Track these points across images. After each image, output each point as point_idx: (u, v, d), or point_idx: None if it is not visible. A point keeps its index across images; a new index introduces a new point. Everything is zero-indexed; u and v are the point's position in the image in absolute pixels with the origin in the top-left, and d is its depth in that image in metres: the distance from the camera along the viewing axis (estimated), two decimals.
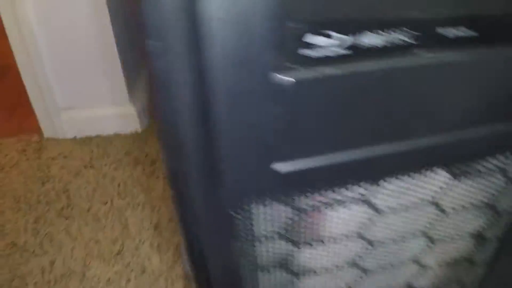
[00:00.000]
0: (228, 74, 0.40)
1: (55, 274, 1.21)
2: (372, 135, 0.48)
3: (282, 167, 0.48)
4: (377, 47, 0.42)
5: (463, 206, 0.61)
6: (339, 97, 0.45)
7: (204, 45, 0.39)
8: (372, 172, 0.52)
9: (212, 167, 0.47)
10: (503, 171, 0.57)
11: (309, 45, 0.40)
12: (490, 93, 0.49)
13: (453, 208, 0.60)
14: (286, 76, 0.41)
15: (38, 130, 1.67)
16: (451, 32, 0.43)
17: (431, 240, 0.63)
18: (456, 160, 0.54)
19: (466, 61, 0.46)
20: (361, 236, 0.59)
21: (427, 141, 0.50)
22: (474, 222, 0.64)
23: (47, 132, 1.67)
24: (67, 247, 1.28)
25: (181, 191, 0.50)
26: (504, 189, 0.60)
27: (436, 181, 0.56)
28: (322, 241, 0.58)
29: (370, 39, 0.41)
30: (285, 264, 0.59)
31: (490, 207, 0.62)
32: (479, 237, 0.66)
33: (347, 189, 0.52)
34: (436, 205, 0.59)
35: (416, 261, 0.66)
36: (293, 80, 0.41)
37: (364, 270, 0.64)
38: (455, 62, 0.45)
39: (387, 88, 0.45)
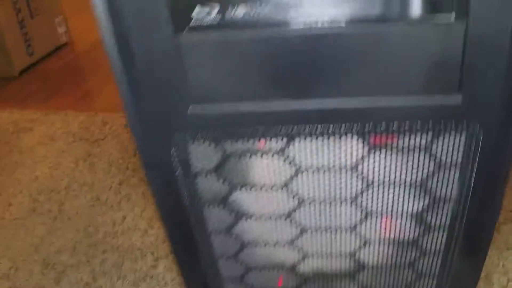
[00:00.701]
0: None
1: (123, 227, 1.37)
2: (268, 90, 0.57)
3: (197, 109, 0.58)
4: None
5: (391, 182, 0.63)
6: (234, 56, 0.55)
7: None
8: (283, 124, 0.59)
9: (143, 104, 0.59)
10: (428, 151, 0.59)
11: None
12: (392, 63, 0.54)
13: (380, 182, 0.63)
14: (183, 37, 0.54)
15: None
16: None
17: (365, 212, 0.66)
18: (366, 129, 0.58)
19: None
20: (288, 189, 0.65)
21: (331, 103, 0.56)
22: (410, 203, 0.65)
23: None
24: (139, 207, 1.43)
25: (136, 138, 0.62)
26: (434, 172, 0.61)
27: (355, 150, 0.60)
28: (252, 186, 0.65)
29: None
30: (225, 203, 0.67)
31: (425, 191, 0.63)
32: (423, 223, 0.66)
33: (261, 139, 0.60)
34: (357, 172, 0.62)
35: (355, 232, 0.69)
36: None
37: (301, 227, 0.69)
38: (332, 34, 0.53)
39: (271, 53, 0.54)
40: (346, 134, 0.58)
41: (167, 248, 1.28)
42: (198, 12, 0.52)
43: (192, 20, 0.52)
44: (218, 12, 0.51)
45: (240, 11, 0.51)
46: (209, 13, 0.52)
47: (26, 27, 2.50)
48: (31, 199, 1.54)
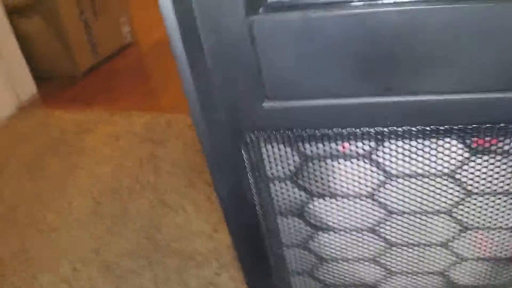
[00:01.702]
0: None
1: (186, 230, 1.30)
2: (363, 84, 0.47)
3: (272, 106, 0.50)
4: None
5: (494, 191, 0.54)
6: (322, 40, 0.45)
7: None
8: (371, 125, 0.50)
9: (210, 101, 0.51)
10: None
11: None
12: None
13: (481, 191, 0.54)
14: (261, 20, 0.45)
15: None
16: None
17: (461, 225, 0.57)
18: (468, 130, 0.49)
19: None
20: (373, 198, 0.56)
21: (432, 100, 0.47)
22: None
23: None
24: (205, 211, 1.36)
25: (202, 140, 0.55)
26: None
27: (453, 154, 0.51)
28: (333, 195, 0.57)
29: None
30: (301, 213, 0.59)
31: None
32: None
33: (345, 141, 0.51)
34: (455, 180, 0.53)
35: (448, 248, 0.59)
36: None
37: (387, 241, 0.60)
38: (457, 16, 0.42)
39: (375, 34, 0.44)
40: (445, 135, 0.49)
41: (232, 255, 1.20)
42: None
43: None
44: None
45: None
46: None
47: (91, 27, 2.49)
48: (93, 201, 1.50)
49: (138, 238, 1.32)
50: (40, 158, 1.79)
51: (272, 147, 0.53)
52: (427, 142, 0.50)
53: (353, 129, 0.50)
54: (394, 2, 0.42)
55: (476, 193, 0.53)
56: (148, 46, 2.72)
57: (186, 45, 0.46)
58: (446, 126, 0.48)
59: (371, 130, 0.49)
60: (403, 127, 0.49)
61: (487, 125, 0.47)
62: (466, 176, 0.52)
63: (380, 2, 0.43)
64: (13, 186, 1.67)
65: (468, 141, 0.49)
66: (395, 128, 0.49)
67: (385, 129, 0.49)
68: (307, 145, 0.52)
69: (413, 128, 0.49)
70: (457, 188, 0.53)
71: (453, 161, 0.51)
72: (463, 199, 0.54)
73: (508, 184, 0.52)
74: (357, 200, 0.56)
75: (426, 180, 0.53)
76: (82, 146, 1.80)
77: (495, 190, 0.53)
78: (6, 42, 2.23)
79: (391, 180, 0.53)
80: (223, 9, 0.44)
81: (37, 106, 2.23)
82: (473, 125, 0.47)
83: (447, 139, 0.49)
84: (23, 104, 2.26)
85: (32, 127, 2.03)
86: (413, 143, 0.50)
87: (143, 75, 2.40)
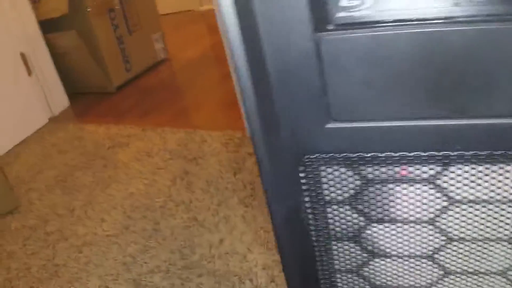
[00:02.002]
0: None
1: (220, 250, 1.27)
2: (433, 106, 0.45)
3: (336, 128, 0.48)
4: None
5: None
6: (391, 59, 0.43)
7: None
8: (439, 149, 0.47)
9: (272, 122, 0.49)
10: None
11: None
12: None
13: None
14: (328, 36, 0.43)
15: (243, 128, 1.78)
16: None
17: None
18: None
19: None
20: (434, 224, 0.53)
21: (504, 124, 0.44)
22: None
23: None
24: (238, 230, 1.33)
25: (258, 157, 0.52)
26: None
27: None
28: (392, 220, 0.54)
29: None
30: (357, 238, 0.57)
31: None
32: None
33: (410, 164, 0.49)
34: None
35: (507, 277, 0.56)
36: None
37: (444, 269, 0.57)
38: None
39: (451, 52, 0.42)
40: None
41: (267, 276, 1.17)
42: (347, 2, 0.41)
43: (338, 14, 0.41)
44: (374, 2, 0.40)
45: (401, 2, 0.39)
46: (362, 3, 0.40)
47: (124, 43, 2.49)
48: (125, 216, 1.48)
49: (171, 256, 1.29)
50: (73, 171, 1.78)
51: (333, 169, 0.51)
52: (494, 168, 0.47)
53: (420, 153, 0.47)
54: (467, 21, 0.40)
55: None
56: (182, 63, 2.71)
57: (250, 62, 0.44)
58: None
59: (438, 153, 0.47)
60: (471, 151, 0.46)
61: None
62: None
63: (452, 20, 0.40)
64: (46, 198, 1.66)
65: None
66: (462, 152, 0.46)
67: (452, 153, 0.46)
68: (369, 168, 0.50)
69: (481, 153, 0.46)
70: None
71: None
72: None
73: None
74: (417, 226, 0.54)
75: (490, 206, 0.50)
76: (115, 161, 1.79)
77: None
78: (40, 55, 2.25)
79: (454, 206, 0.51)
80: (289, 26, 0.43)
81: (70, 120, 2.23)
82: None
83: None
84: (56, 118, 2.26)
85: (65, 140, 2.03)
86: (480, 168, 0.47)
87: (176, 92, 2.38)
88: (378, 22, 0.41)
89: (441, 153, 0.47)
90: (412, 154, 0.47)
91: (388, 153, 0.48)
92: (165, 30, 2.79)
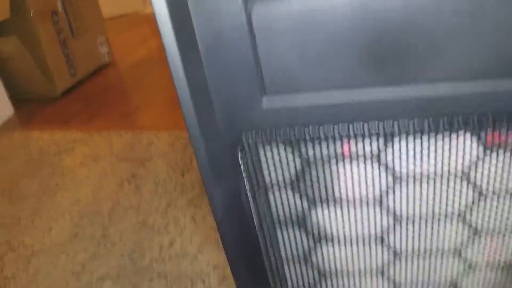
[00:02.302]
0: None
1: (171, 253, 1.27)
2: (370, 73, 0.44)
3: (272, 102, 0.47)
4: None
5: (508, 192, 0.51)
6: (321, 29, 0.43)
7: None
8: (380, 118, 0.47)
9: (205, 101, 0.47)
10: None
11: None
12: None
13: (494, 192, 0.51)
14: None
15: None
16: None
17: (473, 230, 0.54)
18: (484, 123, 0.46)
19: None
20: (381, 204, 0.53)
21: (446, 87, 0.44)
22: None
23: None
24: (188, 231, 1.33)
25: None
26: None
27: (466, 152, 0.48)
28: (336, 202, 0.54)
29: None
30: (302, 223, 0.56)
31: None
32: None
33: (351, 139, 0.48)
34: (468, 181, 0.50)
35: (459, 255, 0.57)
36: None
37: (395, 252, 0.57)
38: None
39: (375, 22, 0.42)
40: (459, 129, 0.46)
41: (218, 276, 1.17)
42: None
43: None
44: None
45: None
46: None
47: (68, 47, 2.45)
48: (73, 224, 1.45)
49: (121, 261, 1.27)
50: (19, 179, 1.75)
51: (272, 151, 0.50)
52: (439, 139, 0.48)
53: (360, 126, 0.47)
54: None
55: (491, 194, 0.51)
56: (127, 66, 2.68)
57: (179, 39, 0.43)
58: (460, 117, 0.45)
59: (379, 127, 0.46)
60: (415, 120, 0.46)
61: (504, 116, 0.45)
62: (480, 176, 0.49)
63: None
64: None
65: (483, 136, 0.46)
66: (405, 122, 0.46)
67: (395, 125, 0.46)
68: (310, 149, 0.49)
69: (424, 121, 0.46)
70: (471, 189, 0.51)
71: (467, 160, 0.48)
72: (476, 201, 0.51)
73: None
74: (363, 207, 0.54)
75: (437, 181, 0.51)
76: (61, 167, 1.76)
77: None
78: None
79: (400, 183, 0.51)
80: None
81: (14, 128, 2.18)
82: (489, 116, 0.45)
83: (461, 133, 0.47)
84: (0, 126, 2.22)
85: (10, 148, 1.99)
86: (425, 140, 0.48)
87: (122, 94, 2.36)
88: None
89: (383, 124, 0.47)
90: (353, 127, 0.47)
91: (328, 129, 0.47)
92: (109, 33, 2.76)
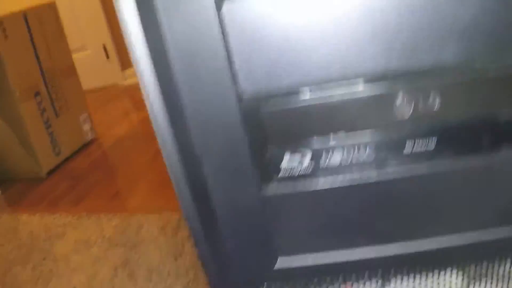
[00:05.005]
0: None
1: None
2: (365, 237, 0.53)
3: (284, 262, 0.54)
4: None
5: None
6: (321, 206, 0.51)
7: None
8: (376, 271, 0.55)
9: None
10: None
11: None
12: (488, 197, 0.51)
13: None
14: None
15: (179, 209, 1.81)
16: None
17: None
18: (469, 262, 0.54)
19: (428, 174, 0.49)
20: None
21: (432, 244, 0.52)
22: None
23: None
24: None
25: None
26: None
27: (452, 283, 0.55)
28: None
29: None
30: None
31: None
32: None
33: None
34: None
35: None
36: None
37: None
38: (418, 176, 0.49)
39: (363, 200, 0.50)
40: (445, 270, 0.54)
41: None
42: (288, 161, 0.48)
43: (282, 170, 0.49)
44: (311, 160, 0.48)
45: (336, 158, 0.47)
46: (300, 162, 0.48)
47: (52, 126, 2.50)
48: None
49: None
50: (11, 266, 1.77)
51: None
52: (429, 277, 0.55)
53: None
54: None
55: None
56: (111, 142, 2.73)
57: (198, 203, 0.51)
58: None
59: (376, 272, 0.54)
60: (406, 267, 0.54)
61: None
62: None
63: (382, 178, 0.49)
64: None
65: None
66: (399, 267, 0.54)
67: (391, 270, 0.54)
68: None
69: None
70: None
71: None
72: None
73: None
74: None
75: None
76: (53, 253, 1.78)
77: None
78: None
79: None
80: (234, 180, 0.49)
81: (2, 209, 2.20)
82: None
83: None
84: None
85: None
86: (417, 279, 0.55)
87: (108, 173, 2.40)
88: (316, 174, 0.49)
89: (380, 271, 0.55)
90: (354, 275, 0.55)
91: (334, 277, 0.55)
92: (90, 108, 2.80)
